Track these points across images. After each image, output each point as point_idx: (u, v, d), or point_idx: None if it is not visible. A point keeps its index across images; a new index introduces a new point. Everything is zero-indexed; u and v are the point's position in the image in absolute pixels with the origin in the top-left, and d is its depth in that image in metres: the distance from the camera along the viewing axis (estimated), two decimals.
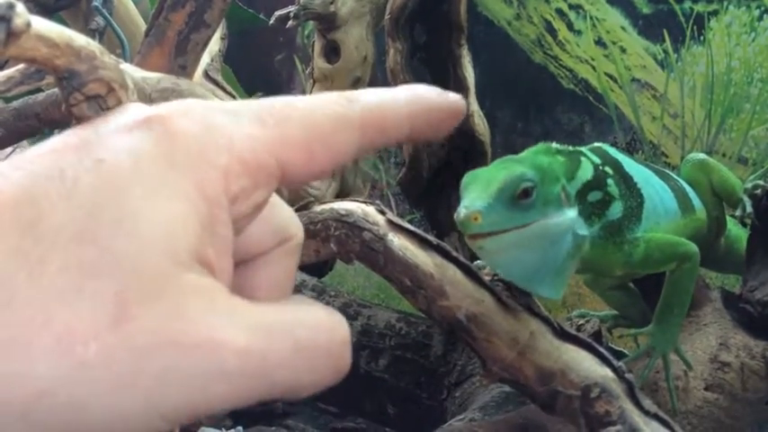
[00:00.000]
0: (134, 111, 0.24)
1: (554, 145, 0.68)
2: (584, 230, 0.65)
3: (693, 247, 0.70)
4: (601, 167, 0.69)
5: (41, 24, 0.47)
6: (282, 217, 0.27)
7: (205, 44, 0.66)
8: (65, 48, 0.48)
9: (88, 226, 0.20)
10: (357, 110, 0.26)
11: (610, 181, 0.69)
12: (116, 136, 0.22)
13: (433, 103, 0.28)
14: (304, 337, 0.22)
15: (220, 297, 0.21)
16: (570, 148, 0.69)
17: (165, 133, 0.22)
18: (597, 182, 0.67)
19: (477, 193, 0.58)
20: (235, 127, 0.23)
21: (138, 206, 0.21)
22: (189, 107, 0.24)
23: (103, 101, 0.50)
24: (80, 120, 0.51)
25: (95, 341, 0.19)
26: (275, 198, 0.26)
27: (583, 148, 0.70)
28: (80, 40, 0.49)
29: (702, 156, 0.86)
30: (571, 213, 0.63)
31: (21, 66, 0.74)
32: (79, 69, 0.48)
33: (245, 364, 0.21)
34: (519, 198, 0.58)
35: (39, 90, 0.77)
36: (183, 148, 0.22)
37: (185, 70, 0.65)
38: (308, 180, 0.26)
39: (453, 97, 0.28)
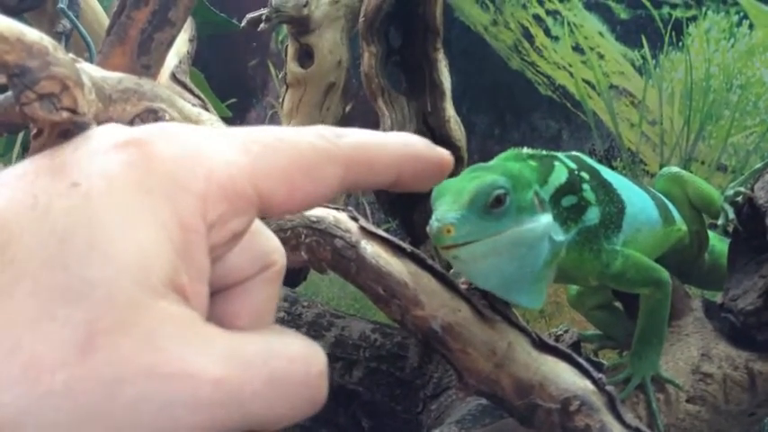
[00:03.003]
0: (111, 132, 0.24)
1: (525, 150, 0.66)
2: (560, 236, 0.63)
3: (667, 276, 0.68)
4: (576, 172, 0.67)
5: None
6: (265, 244, 0.26)
7: (170, 44, 0.63)
8: (15, 42, 0.45)
9: (60, 252, 0.20)
10: (344, 145, 0.25)
11: (585, 186, 0.67)
12: (91, 159, 0.22)
13: (422, 152, 0.27)
14: (280, 368, 0.22)
15: (194, 326, 0.21)
16: (544, 152, 0.67)
17: (143, 157, 0.22)
18: (571, 186, 0.66)
19: (448, 205, 0.56)
20: (216, 153, 0.23)
21: (112, 233, 0.20)
22: (169, 130, 0.23)
23: (57, 99, 0.47)
24: (33, 120, 0.48)
25: (62, 370, 0.19)
26: (259, 224, 0.26)
27: (558, 154, 0.69)
28: (32, 34, 0.46)
29: (676, 169, 0.85)
30: (545, 219, 0.61)
31: None
32: (31, 66, 0.45)
33: (218, 394, 0.20)
34: (491, 207, 0.57)
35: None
36: (161, 173, 0.22)
37: (149, 70, 0.62)
38: (289, 212, 0.25)
39: (442, 151, 0.28)
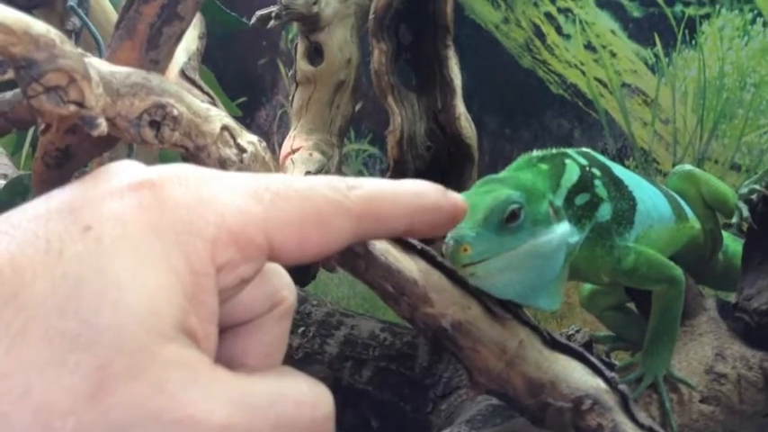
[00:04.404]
0: (125, 171, 0.24)
1: (535, 153, 0.66)
2: (575, 237, 0.63)
3: (680, 273, 0.68)
4: (588, 168, 0.67)
5: None
6: (275, 281, 0.26)
7: (179, 38, 0.62)
8: (22, 35, 0.45)
9: (71, 297, 0.20)
10: (356, 198, 0.25)
11: (597, 182, 0.67)
12: (104, 201, 0.22)
13: (435, 202, 0.28)
14: (286, 412, 0.22)
15: (202, 369, 0.21)
16: (554, 150, 0.67)
17: (156, 201, 0.22)
18: (583, 184, 0.65)
19: (463, 222, 0.56)
20: (228, 199, 0.23)
21: (123, 277, 0.21)
22: (183, 174, 0.23)
23: (64, 92, 0.47)
24: (40, 114, 0.48)
25: (73, 415, 0.19)
26: (270, 264, 0.25)
27: (568, 150, 0.68)
28: (39, 27, 0.46)
29: (689, 167, 0.84)
30: (561, 228, 0.61)
31: None
32: (37, 58, 0.45)
33: None
34: (507, 222, 0.57)
35: (6, 87, 0.74)
36: (173, 218, 0.22)
37: (158, 65, 0.62)
38: (299, 262, 0.25)
39: (455, 198, 0.28)
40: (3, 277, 0.20)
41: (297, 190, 0.24)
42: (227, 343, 0.25)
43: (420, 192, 0.28)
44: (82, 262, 0.21)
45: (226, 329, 0.25)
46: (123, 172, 0.24)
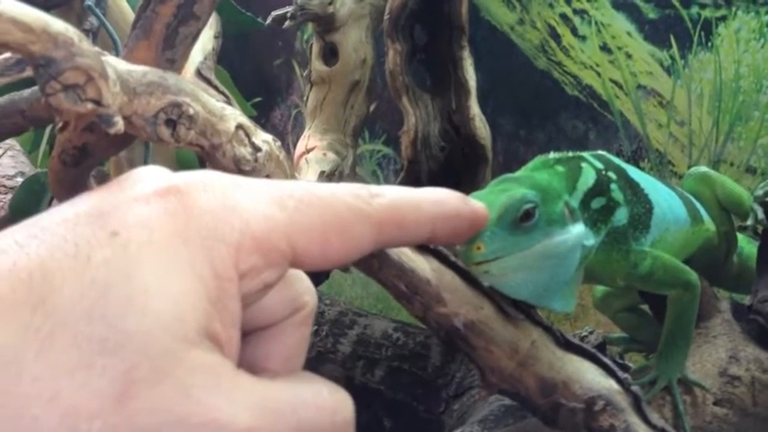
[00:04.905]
0: (151, 177, 0.24)
1: (552, 155, 0.66)
2: (591, 240, 0.62)
3: (696, 278, 0.68)
4: (604, 172, 0.67)
5: (15, 7, 0.45)
6: (296, 286, 0.26)
7: (195, 37, 0.63)
8: (41, 33, 0.45)
9: (99, 302, 0.21)
10: (378, 205, 0.26)
11: (613, 186, 0.67)
12: (131, 207, 0.23)
13: (456, 210, 0.28)
14: (307, 417, 0.22)
15: (226, 374, 0.22)
16: (570, 154, 0.67)
17: (182, 208, 0.23)
18: (600, 188, 0.65)
19: None
20: (253, 206, 0.24)
21: (149, 283, 0.21)
22: (209, 181, 0.24)
23: (82, 90, 0.47)
24: (58, 112, 0.49)
25: (99, 419, 0.19)
26: (292, 270, 0.26)
27: (584, 154, 0.68)
28: (57, 25, 0.46)
29: (704, 168, 0.84)
30: (576, 229, 0.60)
31: None
32: (56, 56, 0.46)
33: None
34: (521, 221, 0.56)
35: (23, 86, 0.74)
36: (199, 224, 0.23)
37: (174, 65, 0.62)
38: (321, 268, 0.25)
39: (477, 206, 0.29)
40: (33, 282, 0.20)
41: (319, 197, 0.25)
42: (249, 347, 0.25)
43: (441, 199, 0.28)
44: (109, 268, 0.21)
45: (248, 334, 0.25)
46: (148, 178, 0.24)
